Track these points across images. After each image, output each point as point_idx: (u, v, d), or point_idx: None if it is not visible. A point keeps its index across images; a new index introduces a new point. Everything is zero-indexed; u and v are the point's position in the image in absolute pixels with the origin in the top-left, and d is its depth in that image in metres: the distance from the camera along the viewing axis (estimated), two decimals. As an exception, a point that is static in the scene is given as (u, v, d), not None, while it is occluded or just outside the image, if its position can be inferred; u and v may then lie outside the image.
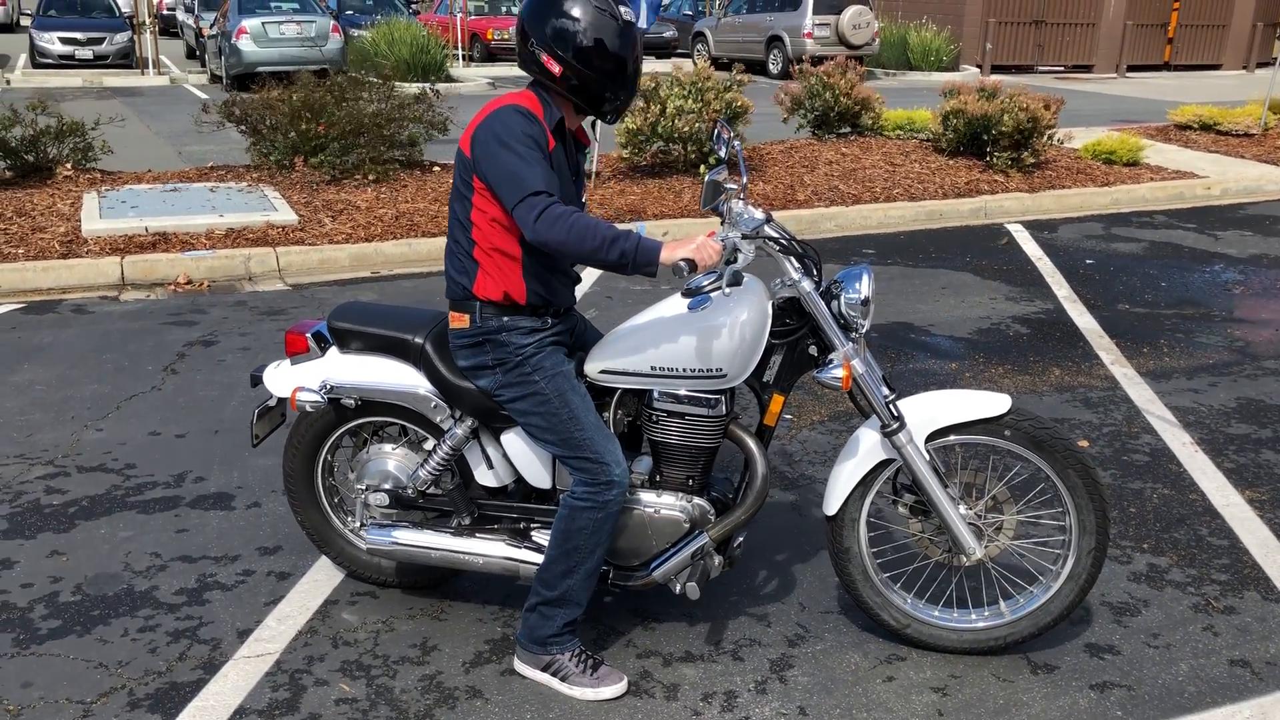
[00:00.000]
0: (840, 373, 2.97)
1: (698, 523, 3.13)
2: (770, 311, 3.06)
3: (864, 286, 3.02)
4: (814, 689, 3.12)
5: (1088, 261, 8.08)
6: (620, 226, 2.85)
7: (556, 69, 2.90)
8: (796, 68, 11.47)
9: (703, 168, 9.52)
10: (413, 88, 10.26)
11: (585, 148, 3.24)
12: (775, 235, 3.00)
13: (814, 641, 3.34)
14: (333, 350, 3.36)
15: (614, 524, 3.01)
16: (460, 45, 23.37)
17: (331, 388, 3.28)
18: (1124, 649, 3.32)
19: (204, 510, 4.09)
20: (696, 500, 3.14)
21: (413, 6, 29.16)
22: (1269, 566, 3.79)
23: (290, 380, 3.34)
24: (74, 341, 5.98)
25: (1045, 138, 10.43)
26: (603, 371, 3.11)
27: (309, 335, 3.39)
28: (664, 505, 3.13)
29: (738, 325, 3.00)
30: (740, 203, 3.06)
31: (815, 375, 3.05)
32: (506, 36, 24.22)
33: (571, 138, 3.09)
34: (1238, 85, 22.50)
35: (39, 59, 21.71)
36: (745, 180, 3.17)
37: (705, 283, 2.78)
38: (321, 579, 3.63)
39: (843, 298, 3.02)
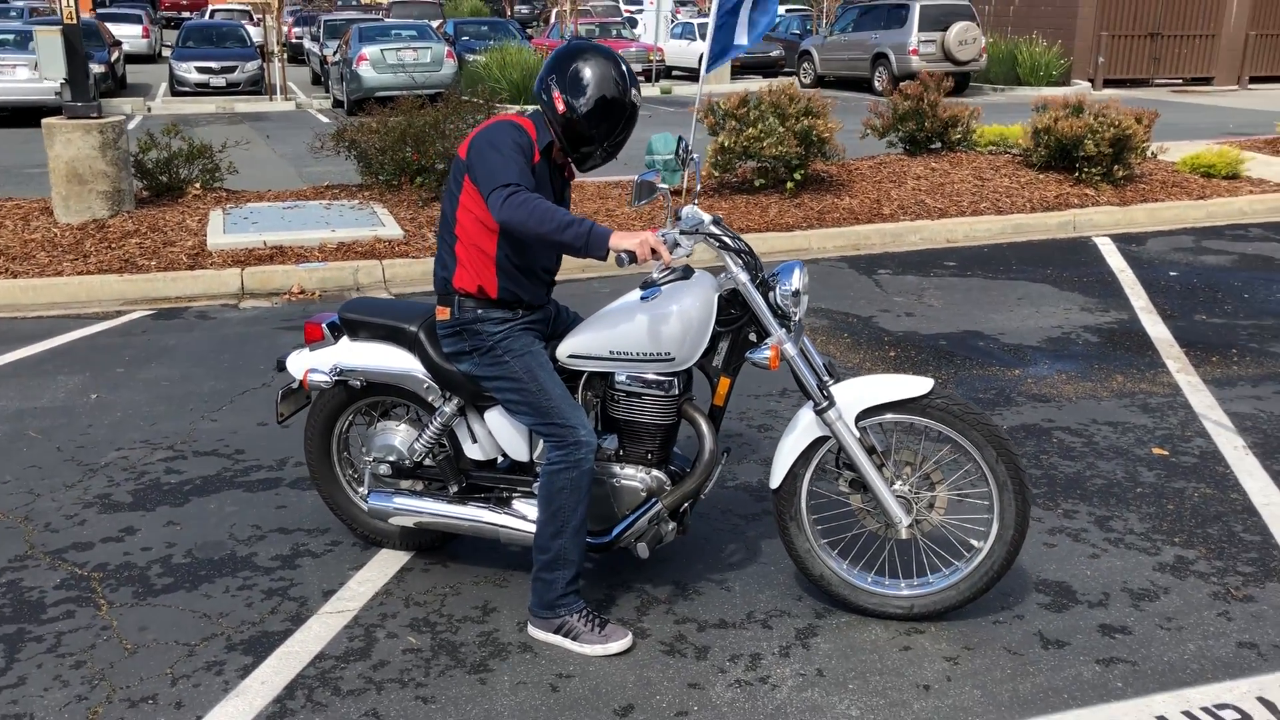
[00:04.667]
0: (768, 353, 3.33)
1: (654, 492, 3.53)
2: (715, 302, 3.45)
3: (795, 280, 3.41)
4: (833, 654, 3.39)
5: (1171, 273, 8.10)
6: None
7: (561, 108, 3.33)
8: (895, 87, 11.65)
9: (789, 185, 9.79)
10: (514, 108, 10.75)
11: (569, 179, 3.64)
12: (717, 233, 3.39)
13: (840, 615, 3.60)
14: (344, 339, 3.84)
15: (590, 481, 3.37)
16: (570, 68, 24.00)
17: (340, 370, 3.75)
18: (1136, 630, 3.50)
19: (301, 490, 4.55)
20: (655, 473, 3.54)
21: (527, 31, 30.07)
22: (1297, 560, 3.92)
23: (307, 364, 3.83)
24: (196, 344, 6.57)
25: (1138, 152, 10.40)
26: (570, 356, 3.53)
27: (324, 325, 3.89)
28: (625, 476, 3.54)
29: (684, 313, 3.40)
30: (693, 207, 3.46)
31: (748, 356, 3.42)
32: (615, 59, 24.80)
33: (559, 168, 3.50)
34: (1366, 96, 21.71)
35: (177, 87, 23.08)
36: (699, 188, 3.58)
37: (655, 276, 3.27)
38: (401, 550, 4.03)
39: (777, 289, 3.42)
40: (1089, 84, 23.08)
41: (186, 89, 22.94)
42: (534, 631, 3.48)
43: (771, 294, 3.42)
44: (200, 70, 22.92)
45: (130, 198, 9.05)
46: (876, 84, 22.61)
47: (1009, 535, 3.43)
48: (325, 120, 18.69)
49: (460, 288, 3.47)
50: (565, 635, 3.42)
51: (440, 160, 9.69)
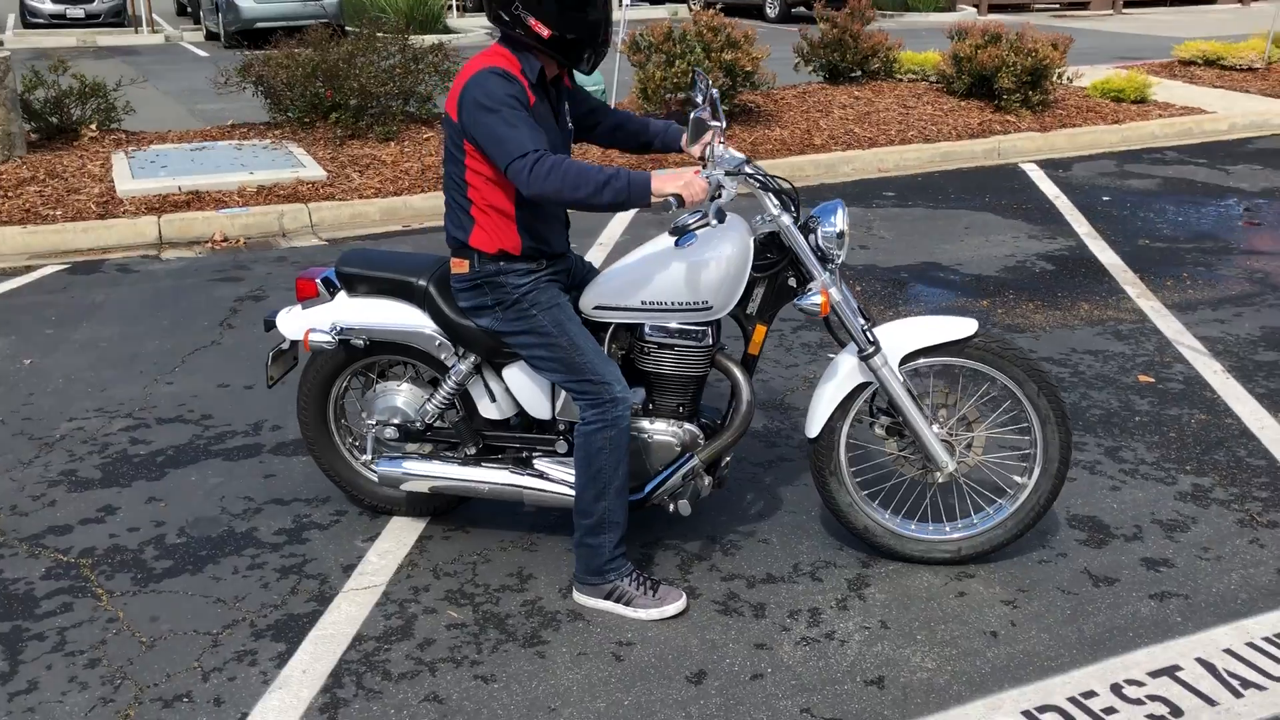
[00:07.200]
0: (819, 299, 3.20)
1: (688, 446, 3.38)
2: (752, 246, 3.27)
3: (839, 220, 3.25)
4: (892, 604, 3.32)
5: (1104, 198, 8.23)
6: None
7: (545, 32, 3.04)
8: (821, 7, 11.54)
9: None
10: (427, 40, 10.29)
11: (571, 91, 3.39)
12: (755, 173, 3.21)
13: (886, 562, 3.53)
14: (341, 294, 3.57)
15: (628, 439, 3.19)
16: (455, -4, 23.21)
17: (341, 329, 3.48)
18: (1178, 562, 3.53)
19: (287, 456, 4.26)
20: (687, 426, 3.38)
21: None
22: (1307, 483, 4.00)
23: (302, 323, 3.54)
24: (126, 299, 6.12)
25: (1055, 77, 10.52)
26: (596, 308, 3.32)
27: (318, 281, 3.60)
28: (657, 431, 3.37)
29: (722, 259, 3.21)
30: (721, 145, 3.24)
31: (795, 303, 3.27)
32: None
33: (555, 86, 3.23)
34: (1234, 19, 22.51)
35: (30, 19, 21.53)
36: (723, 125, 3.33)
37: (691, 221, 2.97)
38: (409, 517, 3.81)
39: (819, 230, 3.25)
40: (974, 9, 23.33)
41: (40, 20, 21.42)
42: (582, 598, 3.32)
43: (813, 236, 3.27)
44: (55, 0, 21.39)
45: (21, 141, 8.37)
46: (769, 10, 22.44)
47: (1054, 468, 3.40)
48: (203, 54, 17.73)
49: (479, 247, 3.23)
50: (617, 600, 3.27)
51: (354, 97, 9.19)
